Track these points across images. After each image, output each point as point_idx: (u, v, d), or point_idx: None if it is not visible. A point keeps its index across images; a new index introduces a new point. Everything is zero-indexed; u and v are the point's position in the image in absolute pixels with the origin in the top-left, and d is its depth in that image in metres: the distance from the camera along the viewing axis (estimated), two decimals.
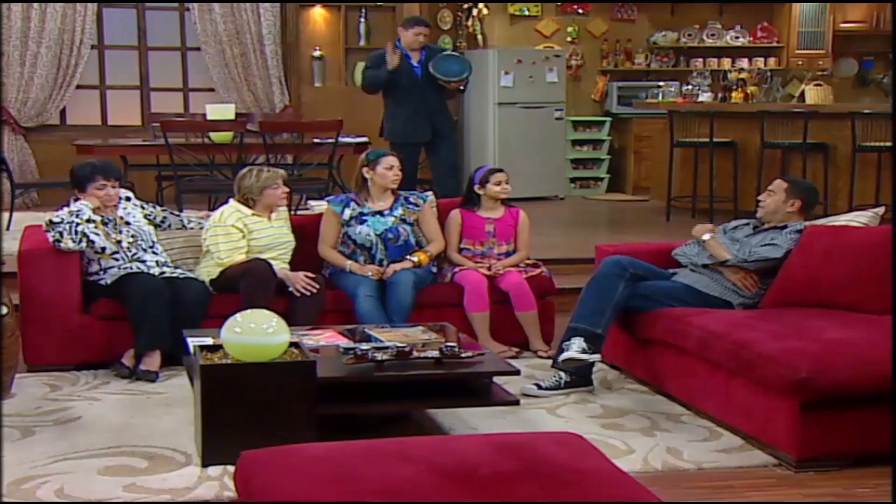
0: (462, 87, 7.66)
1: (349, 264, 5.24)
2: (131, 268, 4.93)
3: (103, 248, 4.92)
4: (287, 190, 5.29)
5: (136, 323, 4.79)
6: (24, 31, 9.33)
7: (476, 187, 5.54)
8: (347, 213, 5.32)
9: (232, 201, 5.25)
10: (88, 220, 4.88)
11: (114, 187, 5.01)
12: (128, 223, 5.07)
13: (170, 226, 5.35)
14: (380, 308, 5.05)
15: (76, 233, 4.82)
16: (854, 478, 3.65)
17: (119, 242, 4.97)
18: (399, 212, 5.37)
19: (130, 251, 4.99)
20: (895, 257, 4.27)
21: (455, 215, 5.53)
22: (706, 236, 4.76)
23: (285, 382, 3.68)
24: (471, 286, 5.25)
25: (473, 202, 5.56)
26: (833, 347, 3.77)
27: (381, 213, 5.34)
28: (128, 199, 5.19)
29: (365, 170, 5.36)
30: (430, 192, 5.70)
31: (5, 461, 3.55)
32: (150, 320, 4.75)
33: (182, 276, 5.05)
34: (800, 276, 4.47)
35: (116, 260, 4.96)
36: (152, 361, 4.79)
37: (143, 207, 5.27)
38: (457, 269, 5.37)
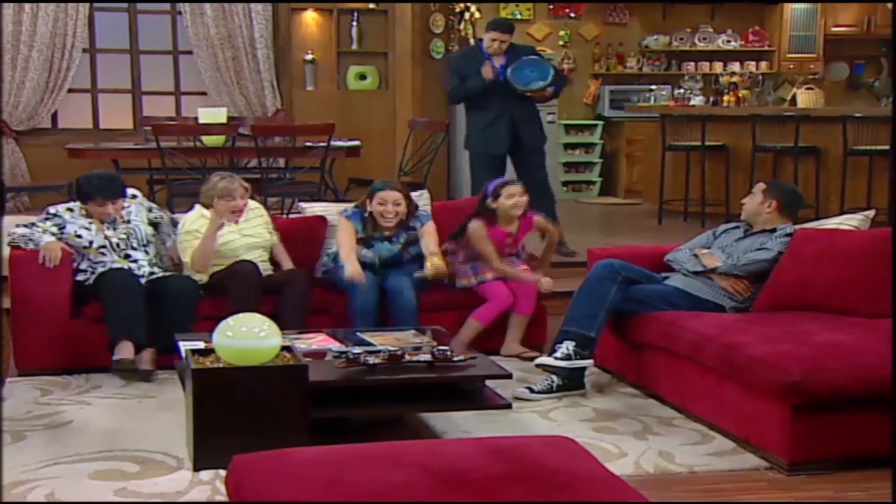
0: (553, 95, 7.13)
1: (352, 271, 5.04)
2: (115, 265, 4.93)
3: (91, 242, 4.92)
4: (241, 205, 5.14)
5: (106, 311, 4.80)
6: (15, 35, 9.30)
7: (489, 201, 5.32)
8: (360, 231, 5.22)
9: (197, 206, 5.22)
10: (69, 209, 4.99)
11: (114, 203, 5.00)
12: (127, 221, 5.08)
13: (164, 233, 5.34)
14: (375, 308, 5.02)
15: (34, 234, 4.91)
16: (846, 481, 3.66)
17: (108, 238, 4.97)
18: (403, 238, 5.27)
19: (119, 247, 4.98)
20: (895, 262, 4.27)
21: (480, 227, 5.27)
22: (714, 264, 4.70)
23: (277, 386, 3.67)
24: (499, 297, 5.22)
25: (489, 215, 5.32)
26: (824, 351, 3.78)
27: (389, 239, 5.24)
28: (133, 196, 5.20)
29: (367, 199, 5.23)
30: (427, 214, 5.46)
31: None
32: (119, 307, 4.75)
33: (172, 274, 5.07)
34: (791, 279, 4.47)
35: (104, 255, 4.95)
36: (124, 350, 4.72)
37: (150, 210, 5.28)
38: (483, 278, 5.25)
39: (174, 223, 5.36)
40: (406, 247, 5.28)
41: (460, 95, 7.23)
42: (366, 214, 5.22)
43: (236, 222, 5.17)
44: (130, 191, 5.20)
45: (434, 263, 5.11)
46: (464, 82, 7.12)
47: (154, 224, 5.26)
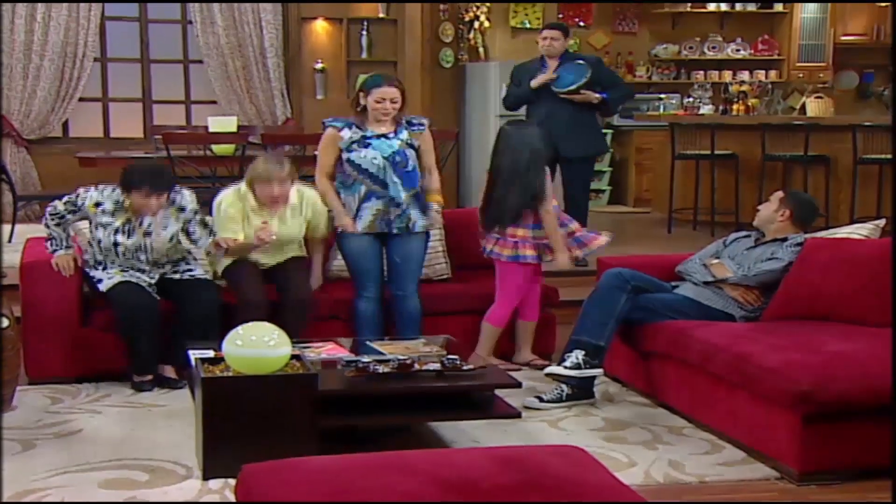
0: (605, 104, 6.99)
1: (337, 212, 4.95)
2: (124, 276, 4.86)
3: (99, 241, 4.87)
4: (277, 193, 4.85)
5: (126, 345, 4.80)
6: (27, 44, 9.35)
7: None
8: (348, 134, 4.91)
9: (238, 187, 4.99)
10: (97, 204, 4.82)
11: (158, 198, 4.74)
12: (147, 234, 4.87)
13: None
14: (379, 314, 5.02)
15: (59, 237, 4.87)
16: (856, 491, 3.65)
17: (116, 245, 4.84)
18: (404, 135, 4.97)
19: (125, 255, 4.86)
20: (895, 270, 4.27)
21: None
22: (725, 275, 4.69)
23: (287, 395, 3.68)
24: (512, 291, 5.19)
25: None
26: (834, 360, 3.77)
27: (385, 135, 4.93)
28: (181, 209, 4.88)
29: (361, 95, 4.94)
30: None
31: (6, 474, 3.55)
32: (138, 344, 4.75)
33: (188, 277, 4.95)
34: (801, 288, 4.46)
35: (106, 255, 4.88)
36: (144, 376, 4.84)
37: (188, 234, 4.92)
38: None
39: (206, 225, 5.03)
40: (406, 145, 4.97)
41: (510, 101, 7.28)
42: (358, 110, 4.94)
43: (273, 212, 4.93)
44: (183, 199, 4.90)
45: (438, 201, 5.11)
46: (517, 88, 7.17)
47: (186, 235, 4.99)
